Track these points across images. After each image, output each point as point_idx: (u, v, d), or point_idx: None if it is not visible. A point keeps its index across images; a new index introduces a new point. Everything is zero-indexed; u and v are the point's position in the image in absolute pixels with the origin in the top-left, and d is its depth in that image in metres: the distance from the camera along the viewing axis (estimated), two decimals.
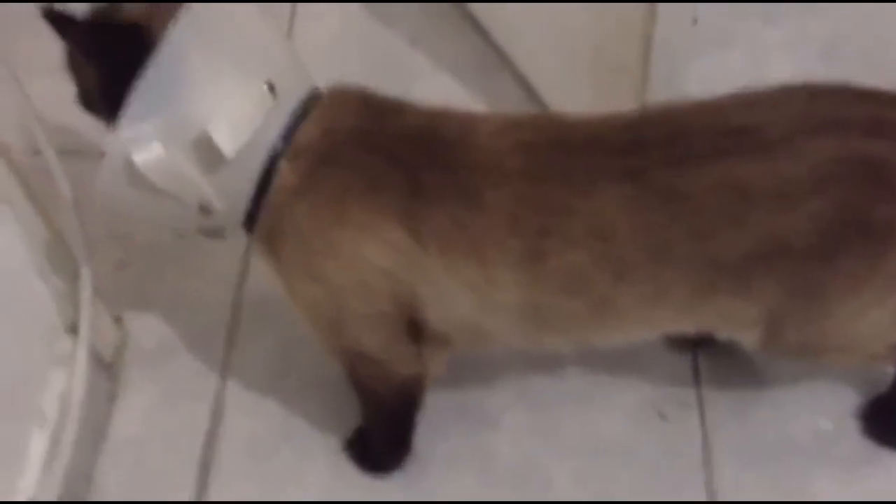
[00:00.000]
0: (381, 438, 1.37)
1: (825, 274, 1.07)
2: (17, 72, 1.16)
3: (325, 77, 1.17)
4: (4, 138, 1.20)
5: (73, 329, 1.35)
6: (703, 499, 1.33)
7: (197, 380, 1.47)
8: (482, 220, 1.07)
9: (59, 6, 1.07)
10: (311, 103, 1.12)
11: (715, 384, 1.42)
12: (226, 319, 1.52)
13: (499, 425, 1.40)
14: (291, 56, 1.14)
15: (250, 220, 1.13)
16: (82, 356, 1.31)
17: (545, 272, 1.09)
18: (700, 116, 1.08)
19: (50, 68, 1.13)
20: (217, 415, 1.44)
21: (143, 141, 1.03)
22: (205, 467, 1.39)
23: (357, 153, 1.10)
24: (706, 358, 1.44)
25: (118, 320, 1.51)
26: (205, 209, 1.10)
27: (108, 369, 1.46)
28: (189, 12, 1.04)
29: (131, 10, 1.09)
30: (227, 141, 1.03)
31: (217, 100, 1.05)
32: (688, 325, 1.18)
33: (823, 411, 1.38)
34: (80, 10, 1.09)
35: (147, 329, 1.52)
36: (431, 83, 1.77)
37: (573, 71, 1.59)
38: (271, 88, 1.07)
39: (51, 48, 1.11)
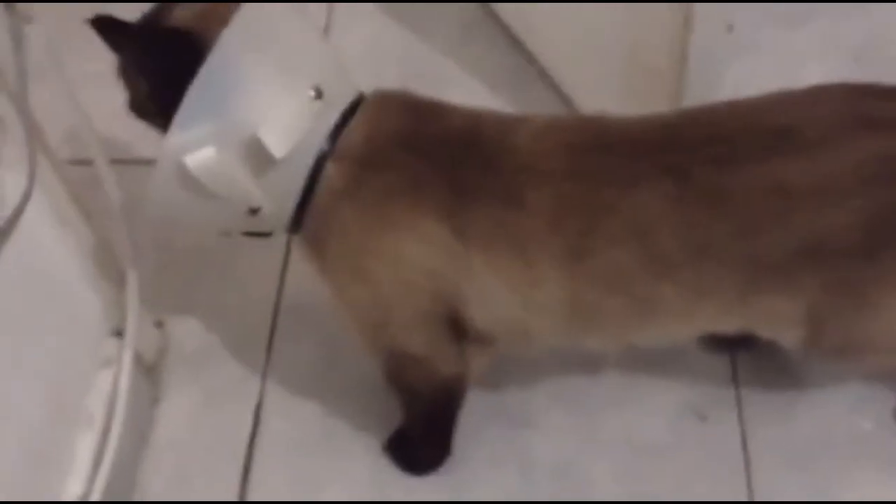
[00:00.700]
0: (421, 439, 1.38)
1: (868, 272, 1.08)
2: (69, 80, 1.18)
3: (360, 85, 1.19)
4: (55, 146, 1.22)
5: (117, 333, 1.37)
6: (743, 499, 1.33)
7: (238, 382, 1.49)
8: (524, 219, 1.09)
9: (108, 14, 1.09)
10: (357, 107, 1.14)
11: (754, 385, 1.43)
12: (266, 322, 1.54)
13: (538, 425, 1.41)
14: (336, 60, 1.16)
15: (296, 221, 1.15)
16: (127, 359, 1.34)
17: (587, 271, 1.10)
18: (740, 116, 1.10)
19: (98, 77, 1.15)
20: (258, 417, 1.45)
21: (196, 145, 1.05)
22: (246, 469, 1.41)
23: (401, 155, 1.12)
24: (745, 358, 1.44)
25: (160, 324, 1.53)
26: (253, 211, 1.12)
27: (151, 372, 1.48)
28: (240, 18, 1.06)
29: (181, 14, 1.11)
30: (277, 144, 1.06)
31: (267, 104, 1.07)
32: (730, 324, 1.19)
33: (863, 411, 1.38)
34: (129, 12, 1.12)
35: (189, 332, 1.54)
36: (464, 90, 1.78)
37: (606, 76, 1.61)
38: (319, 92, 1.09)
39: (101, 57, 1.14)
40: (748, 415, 1.40)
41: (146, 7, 1.14)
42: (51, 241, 1.25)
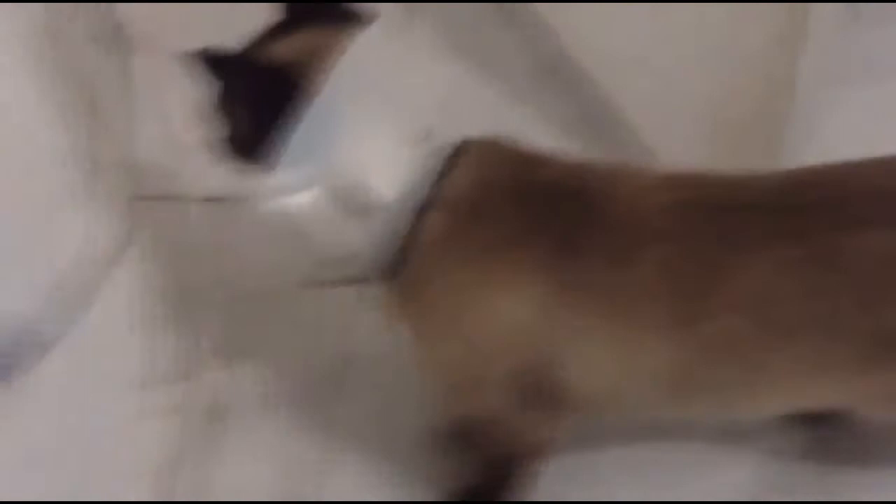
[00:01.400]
0: (490, 501, 1.32)
1: None
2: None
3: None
4: (111, 183, 1.18)
5: (185, 377, 1.33)
6: None
7: (301, 433, 1.43)
8: (633, 280, 1.04)
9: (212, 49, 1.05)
10: (460, 152, 1.10)
11: (825, 463, 1.35)
12: (333, 371, 1.49)
13: (608, 492, 1.34)
14: (441, 103, 1.12)
15: (391, 269, 1.11)
16: (188, 406, 1.29)
17: (699, 337, 1.05)
18: (866, 178, 1.05)
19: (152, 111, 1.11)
20: (320, 471, 1.40)
21: (299, 187, 1.01)
22: None
23: (505, 206, 1.07)
24: (818, 436, 1.37)
25: (223, 369, 1.48)
26: (351, 258, 1.08)
27: (212, 419, 1.43)
28: (350, 57, 1.02)
29: (281, 49, 1.07)
30: (383, 188, 1.01)
31: (374, 147, 1.03)
32: (844, 399, 1.13)
33: None
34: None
35: (251, 379, 1.49)
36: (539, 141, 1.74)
37: (691, 126, 1.56)
38: (427, 136, 1.05)
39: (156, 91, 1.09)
40: (821, 495, 1.32)
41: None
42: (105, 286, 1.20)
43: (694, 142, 1.55)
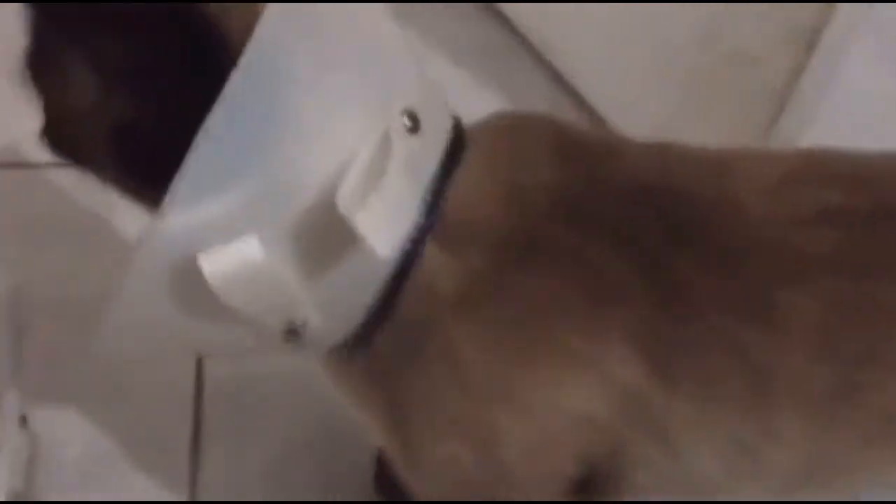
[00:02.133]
0: None
1: None
2: None
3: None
4: None
5: None
6: None
7: None
8: (771, 338, 0.65)
9: None
10: (462, 143, 0.67)
11: None
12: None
13: None
14: (422, 70, 0.67)
15: (359, 340, 0.67)
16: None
17: (852, 416, 0.68)
18: None
19: None
20: None
21: (218, 232, 0.56)
22: None
23: (559, 231, 0.65)
24: None
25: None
26: (292, 331, 0.63)
27: None
28: (277, 7, 0.57)
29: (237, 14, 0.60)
30: (352, 216, 0.57)
31: (334, 146, 0.58)
32: None
33: None
34: None
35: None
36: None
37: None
38: (415, 121, 0.62)
39: None
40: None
41: None
42: None
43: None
